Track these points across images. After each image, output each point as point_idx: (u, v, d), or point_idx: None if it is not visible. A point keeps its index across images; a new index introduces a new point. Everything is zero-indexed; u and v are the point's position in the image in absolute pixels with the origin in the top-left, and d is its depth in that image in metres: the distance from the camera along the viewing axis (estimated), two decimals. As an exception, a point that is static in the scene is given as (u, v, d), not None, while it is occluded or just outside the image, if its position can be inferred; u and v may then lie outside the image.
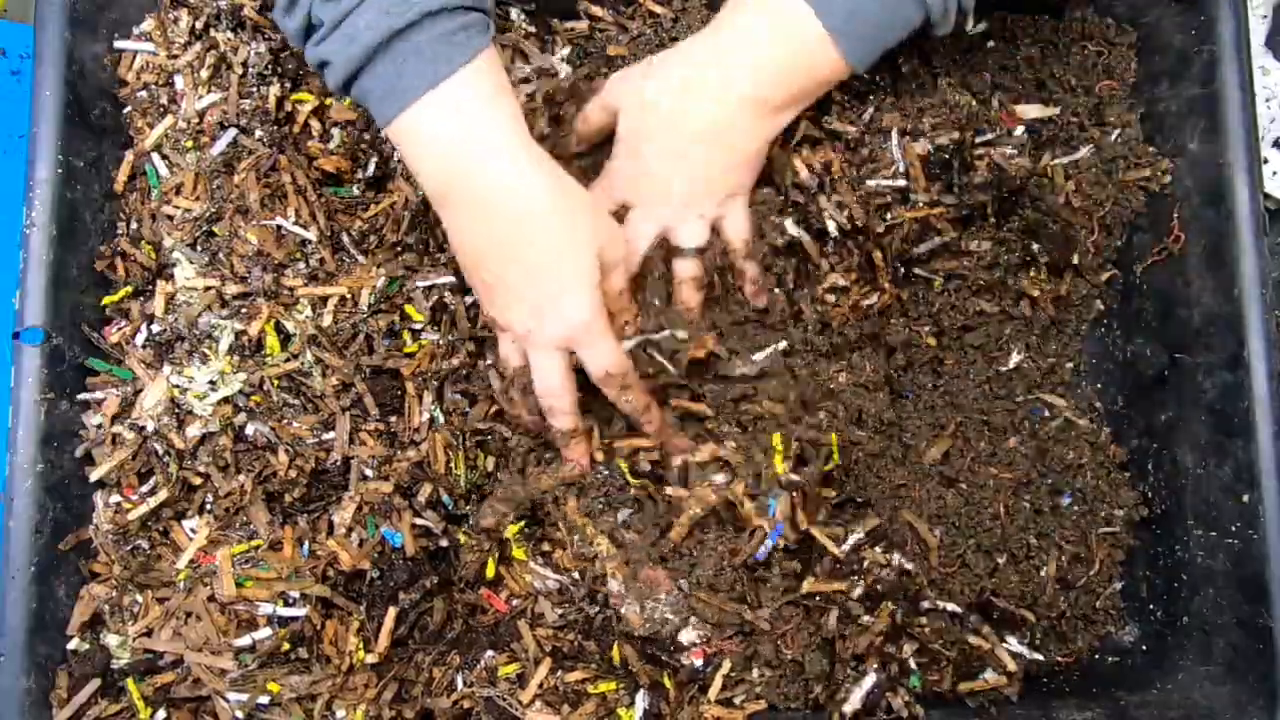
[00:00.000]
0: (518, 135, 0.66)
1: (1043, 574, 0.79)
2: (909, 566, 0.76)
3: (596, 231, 0.68)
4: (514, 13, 0.83)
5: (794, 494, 0.73)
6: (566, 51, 0.83)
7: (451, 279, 0.78)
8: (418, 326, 0.78)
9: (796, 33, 0.67)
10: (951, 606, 0.76)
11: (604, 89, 0.75)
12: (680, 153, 0.71)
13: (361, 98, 0.66)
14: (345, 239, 0.78)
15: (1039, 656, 0.78)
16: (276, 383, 0.75)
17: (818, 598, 0.75)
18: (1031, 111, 0.79)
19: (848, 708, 0.72)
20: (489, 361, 0.77)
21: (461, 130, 0.64)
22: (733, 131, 0.71)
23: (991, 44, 0.83)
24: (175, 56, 0.78)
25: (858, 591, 0.74)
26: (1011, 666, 0.75)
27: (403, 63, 0.63)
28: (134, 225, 0.78)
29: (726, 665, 0.74)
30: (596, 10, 0.84)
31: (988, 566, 0.79)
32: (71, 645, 0.72)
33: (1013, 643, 0.77)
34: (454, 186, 0.66)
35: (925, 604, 0.75)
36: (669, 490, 0.76)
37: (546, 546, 0.78)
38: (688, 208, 0.74)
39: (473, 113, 0.64)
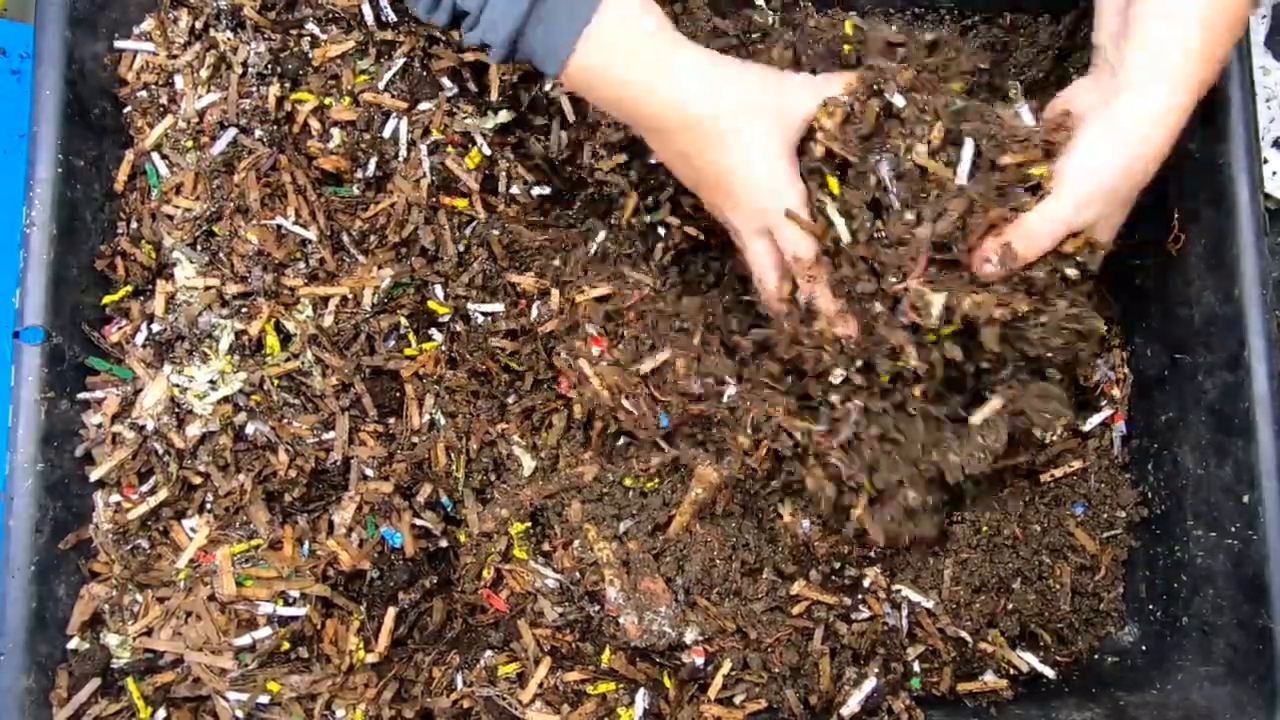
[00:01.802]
0: (664, 50, 0.67)
1: (1057, 589, 0.79)
2: (918, 599, 0.76)
3: (773, 113, 0.68)
4: None
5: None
6: None
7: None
8: (421, 328, 0.78)
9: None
10: (963, 634, 0.76)
11: (1071, 101, 0.70)
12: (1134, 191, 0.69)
13: (527, 58, 0.67)
14: (345, 239, 0.78)
15: (1049, 672, 0.78)
16: (276, 382, 0.75)
17: (810, 608, 0.75)
18: None
19: (846, 710, 0.73)
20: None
21: (617, 65, 0.66)
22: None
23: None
24: (175, 56, 0.78)
25: (854, 616, 0.74)
26: (1024, 669, 0.76)
27: (551, 18, 0.64)
28: (134, 225, 0.78)
29: (727, 665, 0.74)
30: None
31: (1003, 592, 0.79)
32: (71, 644, 0.72)
33: (1028, 657, 0.77)
34: (635, 120, 0.69)
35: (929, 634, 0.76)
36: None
37: (547, 547, 0.78)
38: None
39: (626, 43, 0.66)
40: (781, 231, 0.69)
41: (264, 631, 0.71)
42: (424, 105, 0.80)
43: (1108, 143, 0.66)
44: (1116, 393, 0.84)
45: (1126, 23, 0.67)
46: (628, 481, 0.77)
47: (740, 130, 0.67)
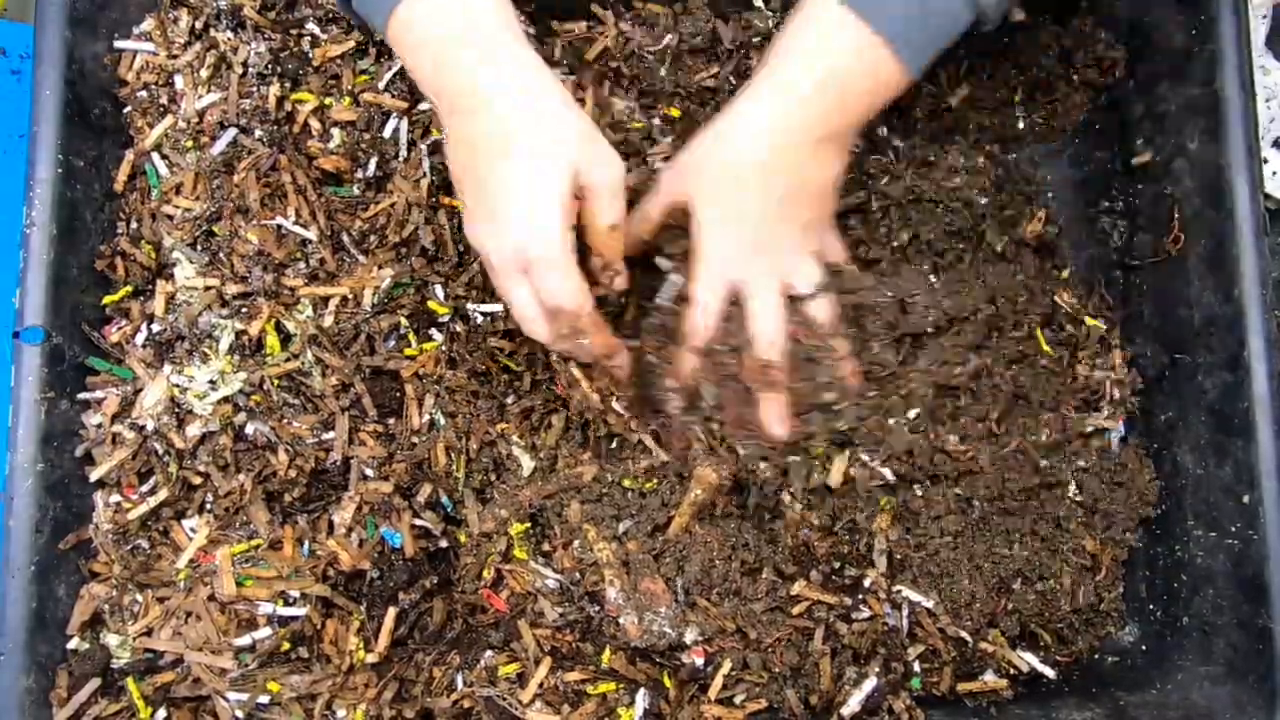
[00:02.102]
0: (500, 34, 0.63)
1: (1057, 589, 0.79)
2: (918, 598, 0.76)
3: (578, 151, 0.63)
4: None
5: None
6: (557, 53, 0.83)
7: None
8: (421, 328, 0.78)
9: (851, 48, 0.65)
10: (963, 634, 0.76)
11: (665, 183, 0.71)
12: (779, 213, 0.69)
13: (361, 11, 0.65)
14: (345, 239, 0.78)
15: (1050, 672, 0.78)
16: (276, 382, 0.75)
17: (810, 608, 0.75)
18: None
19: (847, 710, 0.73)
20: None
21: (444, 29, 0.62)
22: (820, 170, 0.70)
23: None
24: (175, 56, 0.78)
25: (854, 616, 0.74)
26: (1024, 669, 0.76)
27: None
28: (134, 225, 0.78)
29: (727, 665, 0.74)
30: (596, 9, 0.84)
31: (1003, 592, 0.79)
32: (71, 645, 0.72)
33: (1028, 657, 0.77)
34: (440, 91, 0.64)
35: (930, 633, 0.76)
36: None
37: (547, 547, 0.78)
38: (800, 254, 0.72)
39: (455, 10, 0.62)
40: (540, 276, 0.64)
41: (264, 631, 0.71)
42: (424, 105, 0.80)
43: (717, 149, 0.68)
44: (1117, 394, 0.84)
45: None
46: (627, 482, 0.77)
47: (543, 154, 0.62)
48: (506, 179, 0.63)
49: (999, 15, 0.68)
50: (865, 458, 0.77)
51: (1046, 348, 0.83)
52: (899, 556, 0.77)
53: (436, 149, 0.80)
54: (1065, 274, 0.87)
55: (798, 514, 0.77)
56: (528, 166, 0.63)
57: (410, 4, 0.62)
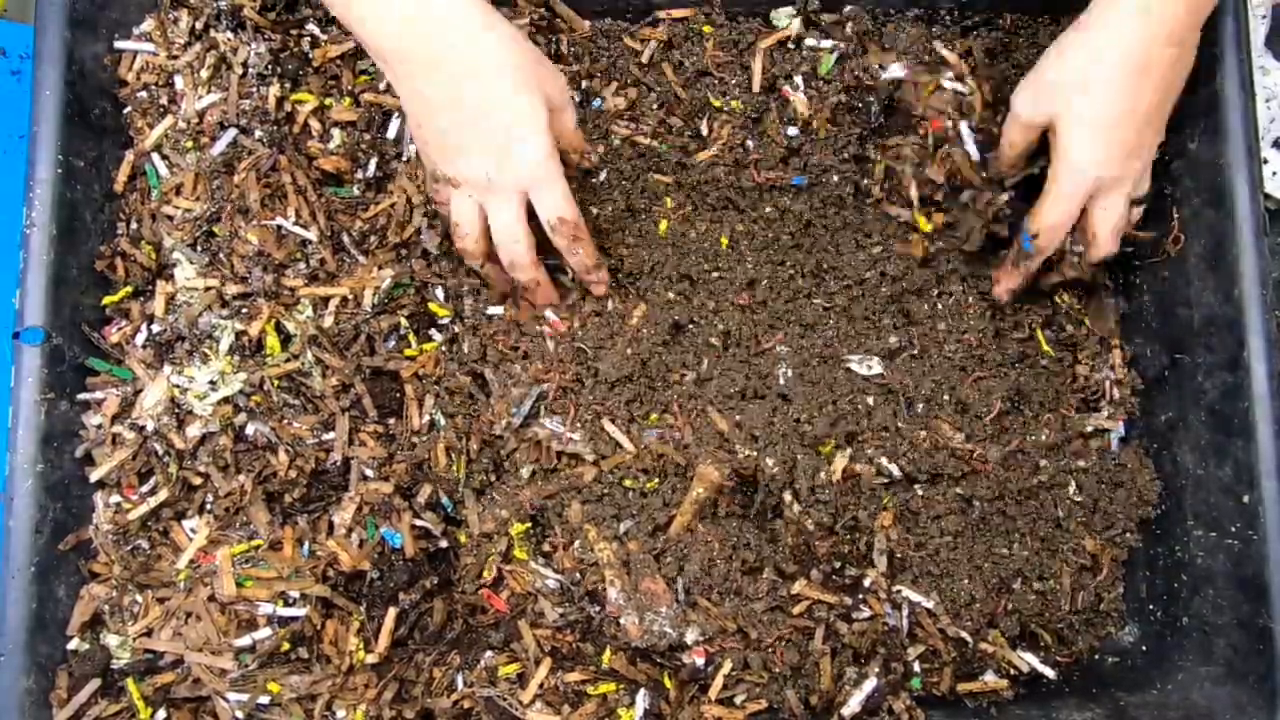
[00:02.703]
0: None
1: (1057, 589, 0.79)
2: (918, 599, 0.76)
3: (541, 78, 0.69)
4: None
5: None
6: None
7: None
8: (421, 328, 0.78)
9: None
10: (963, 634, 0.76)
11: (1023, 107, 0.75)
12: (1148, 118, 0.73)
13: None
14: (346, 239, 0.78)
15: (1050, 672, 0.78)
16: (276, 383, 0.75)
17: (810, 608, 0.75)
18: None
19: (847, 710, 0.73)
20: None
21: None
22: (1179, 74, 0.73)
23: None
24: (175, 56, 0.78)
25: (855, 616, 0.74)
26: (1024, 669, 0.76)
27: None
28: (134, 225, 0.78)
29: (727, 665, 0.74)
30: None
31: (1004, 592, 0.79)
32: (71, 645, 0.72)
33: (1028, 657, 0.77)
34: (408, 47, 0.66)
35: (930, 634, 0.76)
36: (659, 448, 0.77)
37: (547, 547, 0.78)
38: (1147, 163, 0.76)
39: None
40: (547, 193, 0.70)
41: (264, 632, 0.71)
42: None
43: (1088, 63, 0.70)
44: (1116, 393, 0.84)
45: None
46: (628, 482, 0.77)
47: (521, 84, 0.67)
48: (493, 114, 0.67)
49: None
50: (870, 453, 0.77)
51: (1047, 347, 0.83)
52: (899, 556, 0.77)
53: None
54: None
55: (796, 514, 0.77)
56: (512, 99, 0.67)
57: None
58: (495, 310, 0.79)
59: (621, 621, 0.74)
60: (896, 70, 0.81)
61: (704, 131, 0.83)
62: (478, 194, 0.71)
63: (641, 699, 0.72)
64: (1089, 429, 0.83)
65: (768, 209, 0.82)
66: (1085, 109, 0.72)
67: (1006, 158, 0.78)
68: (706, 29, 0.83)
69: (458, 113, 0.67)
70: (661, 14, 0.83)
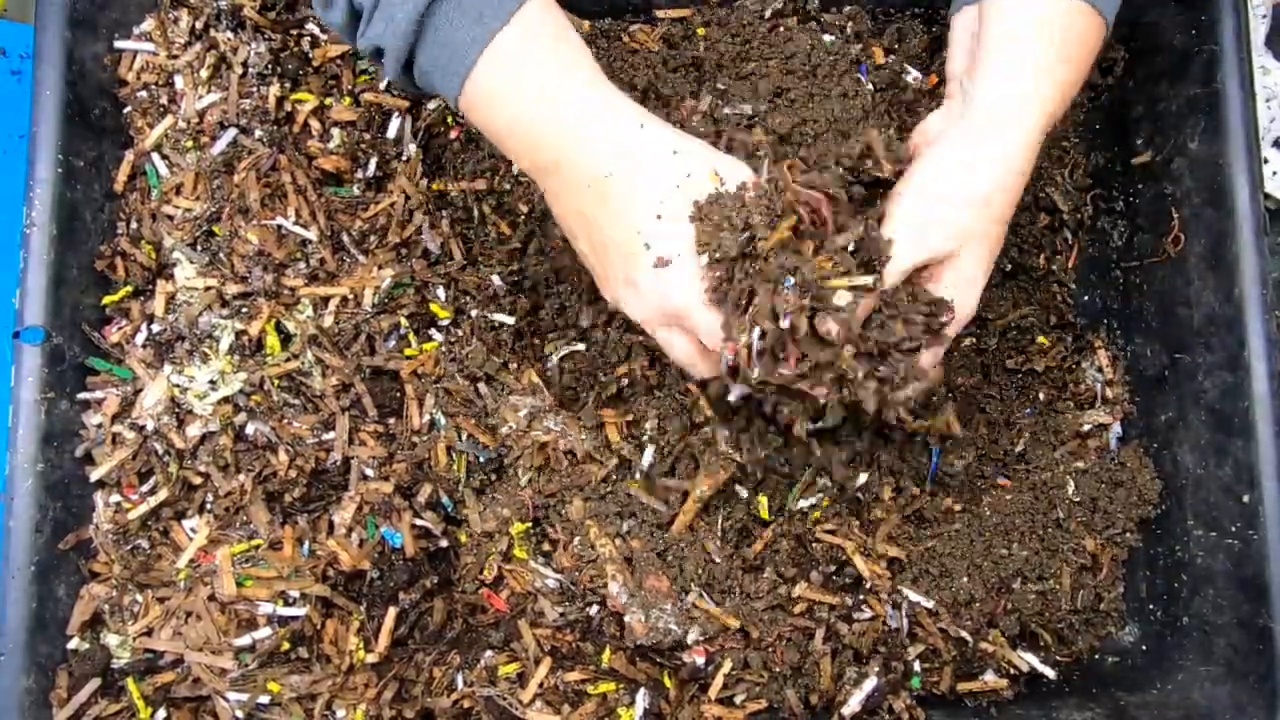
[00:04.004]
0: (585, 84, 0.57)
1: (1058, 589, 0.79)
2: (918, 599, 0.76)
3: (687, 196, 0.57)
4: None
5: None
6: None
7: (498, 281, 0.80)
8: (421, 328, 0.78)
9: (1081, 30, 0.62)
10: (963, 634, 0.76)
11: (920, 236, 0.61)
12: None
13: (425, 81, 0.59)
14: (346, 239, 0.78)
15: (1050, 672, 0.78)
16: (276, 382, 0.75)
17: (811, 608, 0.75)
18: None
19: (847, 710, 0.73)
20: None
21: (525, 85, 0.57)
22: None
23: None
24: (175, 56, 0.78)
25: (855, 616, 0.74)
26: (1024, 669, 0.76)
27: (450, 28, 0.55)
28: (134, 225, 0.78)
29: (727, 665, 0.74)
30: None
31: (1004, 592, 0.79)
32: (71, 645, 0.72)
33: (1029, 657, 0.77)
34: (534, 150, 0.59)
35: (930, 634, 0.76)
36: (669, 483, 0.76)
37: (547, 546, 0.78)
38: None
39: (535, 63, 0.56)
40: (694, 323, 0.59)
41: (264, 631, 0.71)
42: (430, 105, 0.80)
43: (951, 170, 0.60)
44: (1110, 394, 0.84)
45: (976, 56, 0.64)
46: (632, 485, 0.77)
47: (652, 198, 0.57)
48: (613, 237, 0.59)
49: None
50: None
51: (1043, 339, 0.83)
52: (899, 556, 0.77)
53: (430, 149, 0.80)
54: (1064, 274, 0.87)
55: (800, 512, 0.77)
56: (628, 221, 0.58)
57: (479, 77, 0.56)
58: (500, 318, 0.80)
59: (626, 619, 0.74)
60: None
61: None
62: (638, 322, 0.63)
63: (641, 698, 0.72)
64: (1086, 428, 0.83)
65: None
66: (980, 241, 0.62)
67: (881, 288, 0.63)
68: (701, 30, 0.83)
69: (586, 235, 0.61)
70: (660, 14, 0.84)
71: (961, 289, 0.62)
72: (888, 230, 0.60)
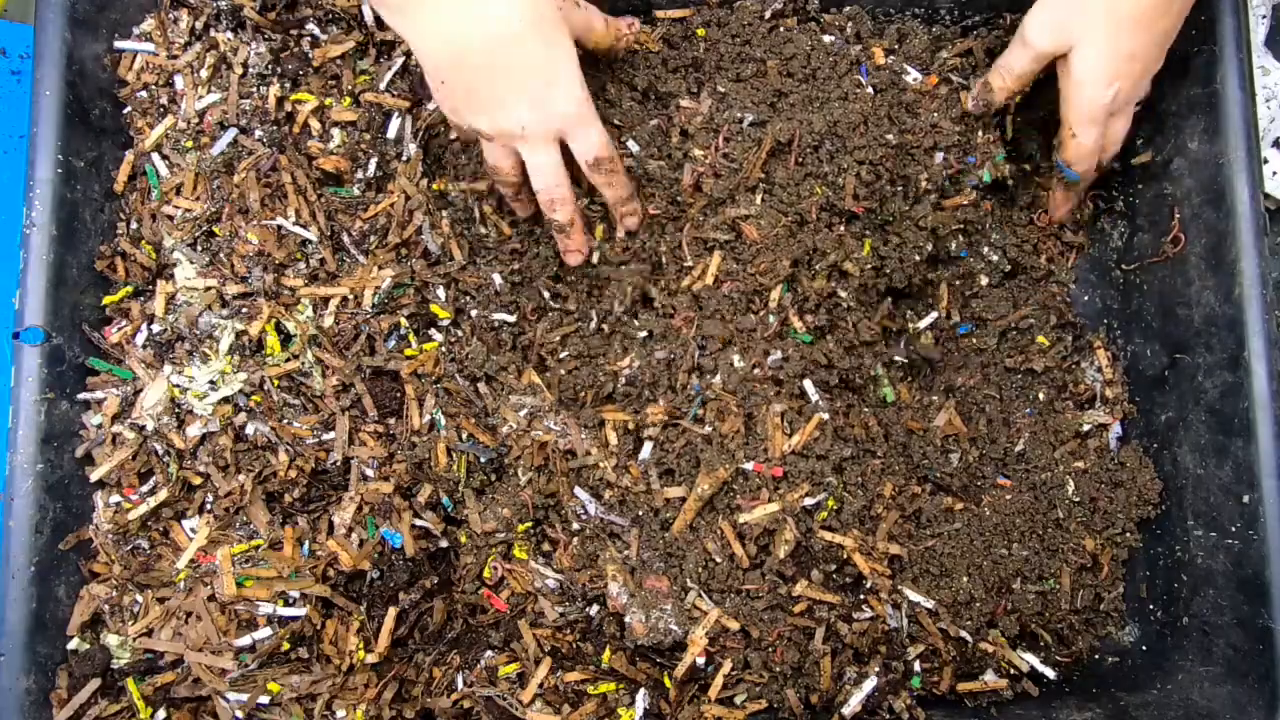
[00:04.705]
0: None
1: (1057, 589, 0.79)
2: (918, 598, 0.76)
3: (571, 22, 0.70)
4: None
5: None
6: None
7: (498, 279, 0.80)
8: (421, 328, 0.78)
9: None
10: (963, 634, 0.76)
11: (1035, 34, 0.75)
12: (1162, 46, 0.74)
13: None
14: (346, 239, 0.78)
15: (1050, 672, 0.77)
16: (276, 383, 0.75)
17: (811, 607, 0.75)
18: None
19: (847, 710, 0.73)
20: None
21: None
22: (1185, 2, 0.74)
23: None
24: (175, 56, 0.78)
25: (855, 616, 0.74)
26: (1024, 669, 0.76)
27: None
28: (134, 225, 0.78)
29: (727, 665, 0.74)
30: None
31: (1004, 592, 0.79)
32: (71, 645, 0.72)
33: (1028, 657, 0.77)
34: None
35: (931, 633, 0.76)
36: (668, 493, 0.76)
37: (547, 547, 0.78)
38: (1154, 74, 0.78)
39: None
40: (585, 133, 0.71)
41: (264, 632, 0.71)
42: (430, 105, 0.80)
43: None
44: (1109, 394, 0.84)
45: None
46: (627, 482, 0.77)
47: (543, 23, 0.67)
48: (526, 65, 0.68)
49: None
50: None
51: (1043, 339, 0.83)
52: (899, 554, 0.77)
53: (430, 149, 0.80)
54: (1064, 274, 0.87)
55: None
56: (541, 52, 0.68)
57: None
58: (501, 316, 0.80)
59: (627, 620, 0.74)
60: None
61: None
62: (514, 144, 0.72)
63: (641, 698, 0.72)
64: (1085, 428, 0.83)
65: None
66: (1106, 38, 0.72)
67: (1006, 88, 0.79)
68: (700, 31, 0.83)
69: (490, 67, 0.68)
70: (660, 14, 0.84)
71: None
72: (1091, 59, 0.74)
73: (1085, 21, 0.72)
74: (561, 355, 0.82)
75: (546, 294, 0.83)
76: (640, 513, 0.77)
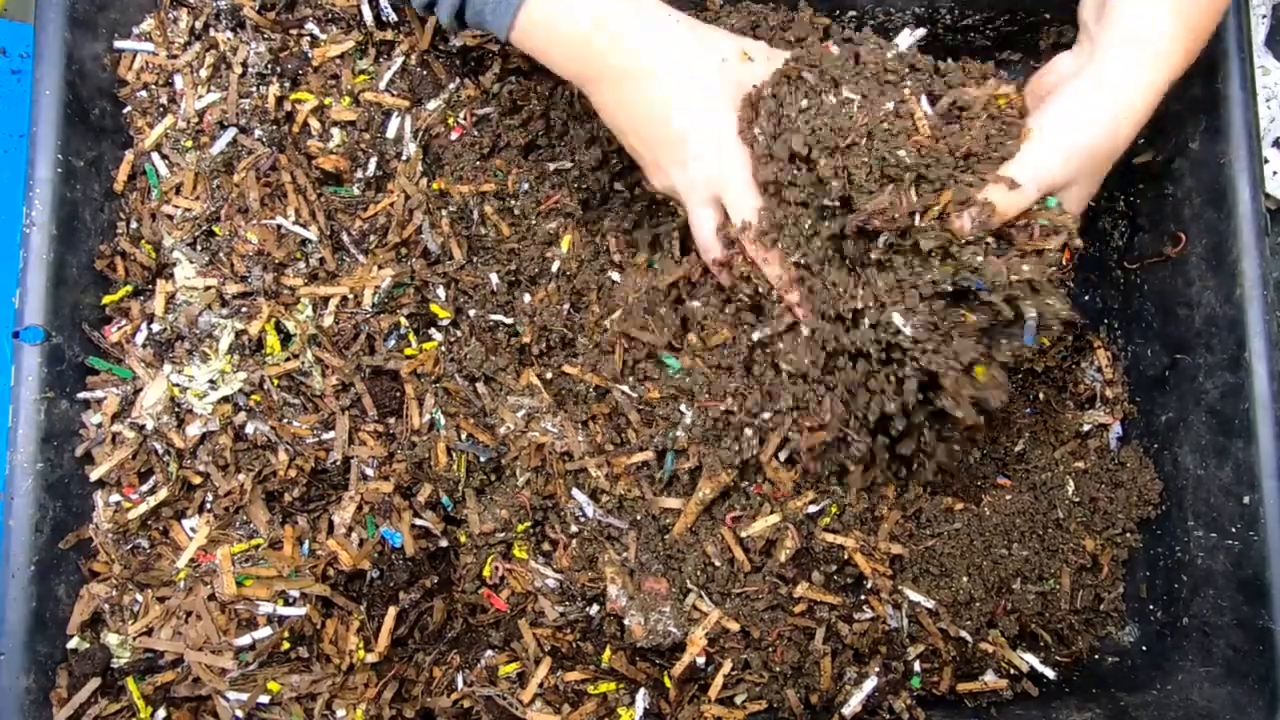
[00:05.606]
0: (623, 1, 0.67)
1: (1058, 590, 0.79)
2: (918, 598, 0.76)
3: (727, 81, 0.68)
4: None
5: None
6: None
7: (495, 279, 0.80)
8: (421, 328, 0.78)
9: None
10: (963, 634, 0.76)
11: (1044, 166, 0.65)
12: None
13: (477, 21, 0.68)
14: (345, 238, 0.78)
15: (1050, 672, 0.77)
16: (276, 382, 0.75)
17: (811, 607, 0.75)
18: None
19: (847, 710, 0.73)
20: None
21: (576, 6, 0.66)
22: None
23: None
24: (175, 56, 0.78)
25: (856, 616, 0.74)
26: (1024, 669, 0.76)
27: None
28: (134, 225, 0.78)
29: (727, 665, 0.74)
30: None
31: (1004, 592, 0.79)
32: (71, 644, 0.72)
33: (1028, 657, 0.77)
34: (586, 64, 0.68)
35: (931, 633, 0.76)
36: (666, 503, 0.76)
37: (547, 546, 0.78)
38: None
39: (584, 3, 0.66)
40: (732, 197, 0.69)
41: (264, 631, 0.71)
42: (431, 104, 0.80)
43: (1091, 98, 0.65)
44: (1110, 394, 0.84)
45: (1105, 5, 0.67)
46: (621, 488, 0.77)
47: (695, 88, 0.67)
48: (683, 130, 0.68)
49: None
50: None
51: (1044, 340, 0.83)
52: (900, 554, 0.77)
53: (430, 149, 0.80)
54: (1063, 274, 0.87)
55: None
56: (686, 113, 0.68)
57: (530, 7, 0.66)
58: (500, 317, 0.80)
59: (626, 622, 0.74)
60: None
61: None
62: (684, 205, 0.72)
63: (641, 698, 0.72)
64: (1086, 428, 0.83)
65: None
66: (1088, 182, 0.68)
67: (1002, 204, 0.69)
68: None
69: (641, 131, 0.69)
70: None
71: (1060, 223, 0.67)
72: (1013, 169, 0.63)
73: (1085, 166, 0.67)
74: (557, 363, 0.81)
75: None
76: (638, 516, 0.77)
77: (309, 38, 0.80)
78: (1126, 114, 0.66)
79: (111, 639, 0.72)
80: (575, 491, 0.77)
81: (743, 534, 0.74)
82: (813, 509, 0.75)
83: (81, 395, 0.74)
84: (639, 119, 0.69)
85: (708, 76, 0.68)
